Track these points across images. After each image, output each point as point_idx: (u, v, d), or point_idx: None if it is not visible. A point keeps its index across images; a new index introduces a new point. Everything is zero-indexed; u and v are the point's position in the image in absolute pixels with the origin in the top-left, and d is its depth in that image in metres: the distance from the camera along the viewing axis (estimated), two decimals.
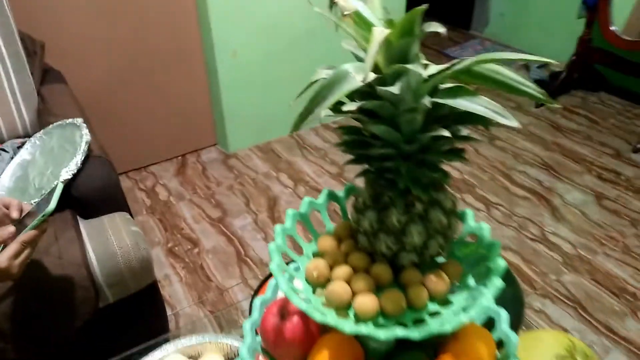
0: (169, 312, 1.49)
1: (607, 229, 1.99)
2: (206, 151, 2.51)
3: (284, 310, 0.57)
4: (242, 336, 0.87)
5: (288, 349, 0.56)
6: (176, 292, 1.70)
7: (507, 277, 0.96)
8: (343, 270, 0.50)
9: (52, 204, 0.91)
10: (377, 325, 0.47)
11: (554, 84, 2.94)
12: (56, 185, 0.95)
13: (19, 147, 1.49)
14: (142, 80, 2.20)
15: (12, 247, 0.87)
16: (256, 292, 0.95)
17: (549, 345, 0.74)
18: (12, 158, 1.45)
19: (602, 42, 2.72)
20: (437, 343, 0.57)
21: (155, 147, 2.39)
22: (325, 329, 0.58)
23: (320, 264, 0.52)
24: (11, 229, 0.90)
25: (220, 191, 2.22)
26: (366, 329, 0.45)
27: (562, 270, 1.80)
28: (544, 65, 3.11)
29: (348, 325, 0.45)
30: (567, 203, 2.13)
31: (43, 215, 0.90)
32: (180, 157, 2.46)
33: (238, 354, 0.74)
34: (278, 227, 0.55)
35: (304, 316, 0.57)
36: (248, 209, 2.10)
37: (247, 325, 0.58)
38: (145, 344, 0.93)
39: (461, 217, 0.58)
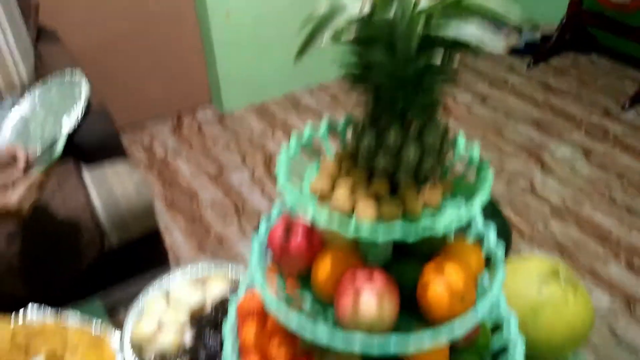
0: (170, 259, 1.54)
1: (595, 182, 2.05)
2: (201, 111, 2.53)
3: (289, 228, 0.61)
4: (246, 266, 0.93)
5: (293, 262, 0.61)
6: (177, 242, 1.75)
7: (493, 210, 1.01)
8: (345, 184, 0.55)
9: (59, 149, 0.95)
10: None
11: (546, 46, 2.96)
12: (60, 134, 0.99)
13: (18, 101, 1.50)
14: (136, 40, 2.20)
15: (22, 188, 0.91)
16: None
17: (533, 266, 0.80)
18: (11, 112, 1.47)
19: (593, 4, 2.73)
20: (430, 256, 0.61)
21: (151, 106, 2.41)
22: (327, 245, 0.63)
23: (324, 179, 0.56)
24: (20, 172, 0.94)
25: (217, 149, 2.26)
26: (366, 231, 0.50)
27: (550, 220, 1.86)
28: (536, 28, 3.12)
29: (350, 228, 0.50)
30: (556, 158, 2.19)
31: (50, 160, 0.94)
32: (175, 117, 2.48)
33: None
34: (283, 150, 0.59)
35: (307, 232, 0.61)
36: (244, 165, 2.14)
37: (255, 242, 0.62)
38: (154, 272, 0.98)
39: (453, 140, 0.62)
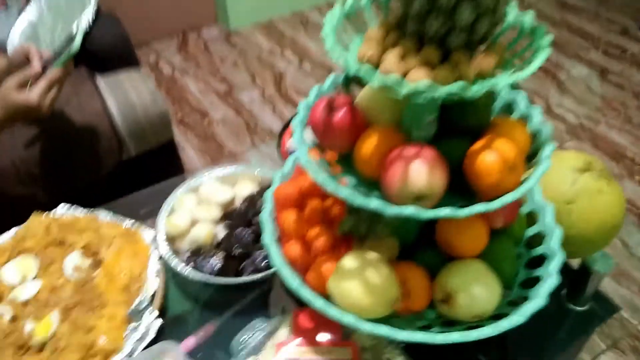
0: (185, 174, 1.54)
1: (610, 101, 2.02)
2: (207, 28, 2.45)
3: (332, 104, 0.59)
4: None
5: (337, 138, 0.59)
6: (190, 158, 1.74)
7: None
8: (394, 51, 0.52)
9: (77, 44, 0.91)
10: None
11: None
12: (76, 32, 0.95)
13: (24, 8, 1.44)
14: None
15: (42, 84, 0.88)
16: (282, 131, 0.98)
17: (567, 159, 0.78)
18: (18, 18, 1.41)
19: None
20: (476, 134, 0.60)
21: (155, 23, 2.32)
22: (370, 124, 0.61)
23: (372, 45, 0.53)
24: (37, 67, 0.90)
25: (225, 67, 2.20)
26: (423, 87, 0.47)
27: (565, 138, 1.85)
28: None
29: (405, 87, 0.48)
30: (572, 77, 2.14)
31: (68, 54, 0.90)
32: (180, 35, 2.40)
33: (270, 184, 0.80)
34: (328, 17, 0.55)
35: (351, 108, 0.59)
36: (254, 84, 2.10)
37: (297, 121, 0.61)
38: (172, 183, 0.97)
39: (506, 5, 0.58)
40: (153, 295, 0.71)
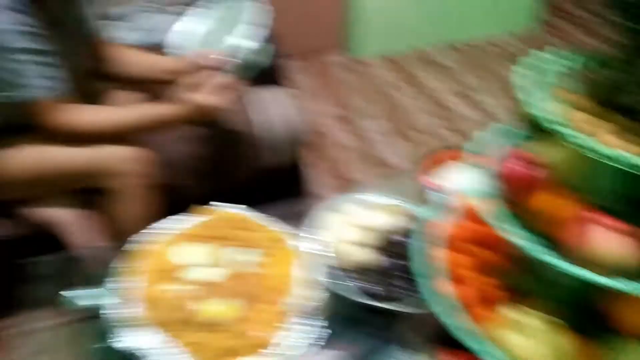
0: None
1: None
2: (330, 53, 2.52)
3: (529, 160, 0.61)
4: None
5: (528, 192, 0.60)
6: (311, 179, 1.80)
7: None
8: (586, 116, 0.54)
9: (267, 60, 1.04)
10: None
11: None
12: (255, 47, 1.04)
13: (183, 11, 1.54)
14: None
15: (232, 96, 1.01)
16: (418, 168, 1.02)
17: None
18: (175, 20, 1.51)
19: None
20: None
21: (279, 43, 2.42)
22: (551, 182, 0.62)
23: (567, 108, 0.55)
24: (232, 79, 1.01)
25: (346, 93, 2.27)
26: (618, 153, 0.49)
27: None
28: None
29: (605, 150, 0.49)
30: None
31: (254, 65, 1.01)
32: (303, 56, 2.46)
33: (412, 216, 0.87)
34: (517, 73, 0.58)
35: (546, 165, 0.61)
36: (374, 115, 2.15)
37: (486, 171, 0.63)
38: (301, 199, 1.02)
39: None
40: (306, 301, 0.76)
